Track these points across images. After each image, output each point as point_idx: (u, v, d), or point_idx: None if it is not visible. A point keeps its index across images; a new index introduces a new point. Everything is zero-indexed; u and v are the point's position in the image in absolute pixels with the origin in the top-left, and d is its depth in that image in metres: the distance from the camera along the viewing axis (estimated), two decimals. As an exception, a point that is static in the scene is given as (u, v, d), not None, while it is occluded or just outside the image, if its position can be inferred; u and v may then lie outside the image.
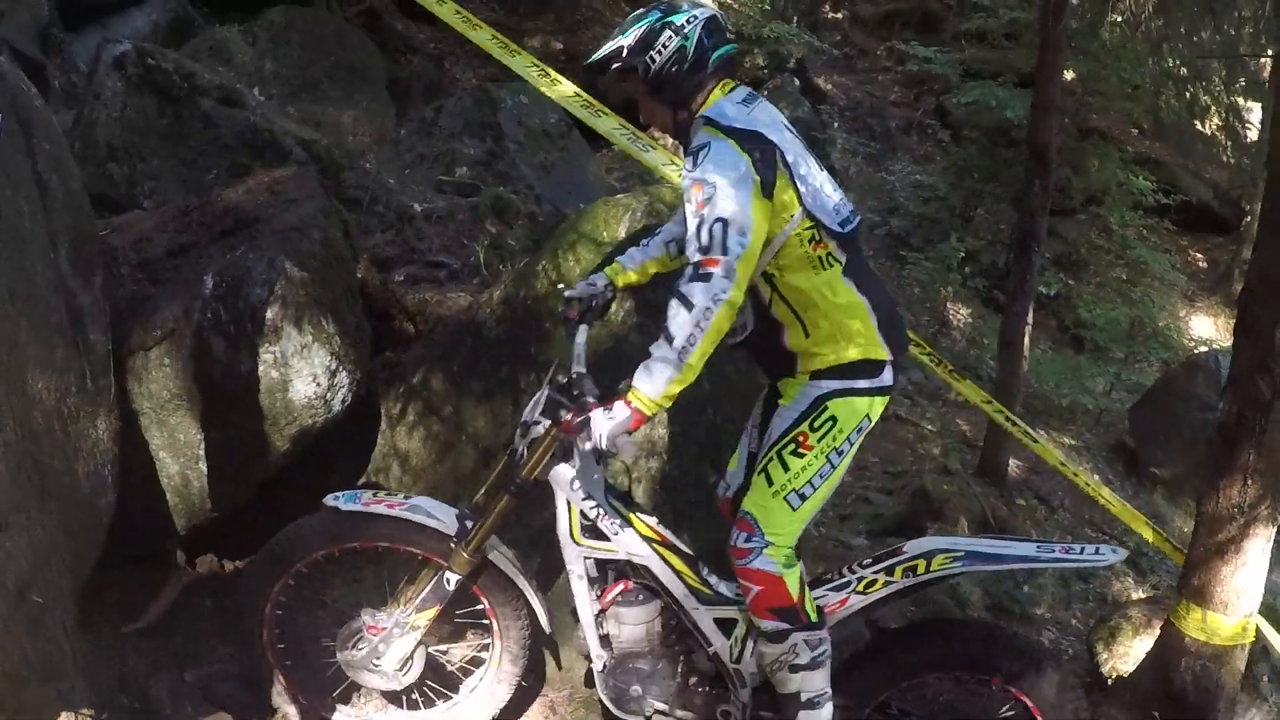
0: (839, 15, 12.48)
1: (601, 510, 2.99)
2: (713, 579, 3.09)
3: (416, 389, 3.98)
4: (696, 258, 2.60)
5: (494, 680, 3.35)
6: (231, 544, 3.83)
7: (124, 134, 4.67)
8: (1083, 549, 3.00)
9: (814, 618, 2.89)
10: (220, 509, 3.59)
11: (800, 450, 2.84)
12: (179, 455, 3.55)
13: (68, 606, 2.49)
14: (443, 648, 3.43)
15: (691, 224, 2.64)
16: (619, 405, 2.66)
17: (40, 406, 2.97)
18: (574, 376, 2.94)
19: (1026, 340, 6.08)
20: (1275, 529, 3.65)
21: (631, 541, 3.01)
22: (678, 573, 3.03)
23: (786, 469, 2.85)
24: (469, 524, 3.06)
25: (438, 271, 5.18)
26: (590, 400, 2.78)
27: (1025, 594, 5.36)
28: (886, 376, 2.91)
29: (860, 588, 2.98)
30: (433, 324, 4.25)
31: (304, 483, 3.74)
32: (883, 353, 2.88)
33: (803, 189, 2.75)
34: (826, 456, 2.85)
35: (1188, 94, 9.47)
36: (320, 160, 5.20)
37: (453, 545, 3.03)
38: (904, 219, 9.72)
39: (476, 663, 3.43)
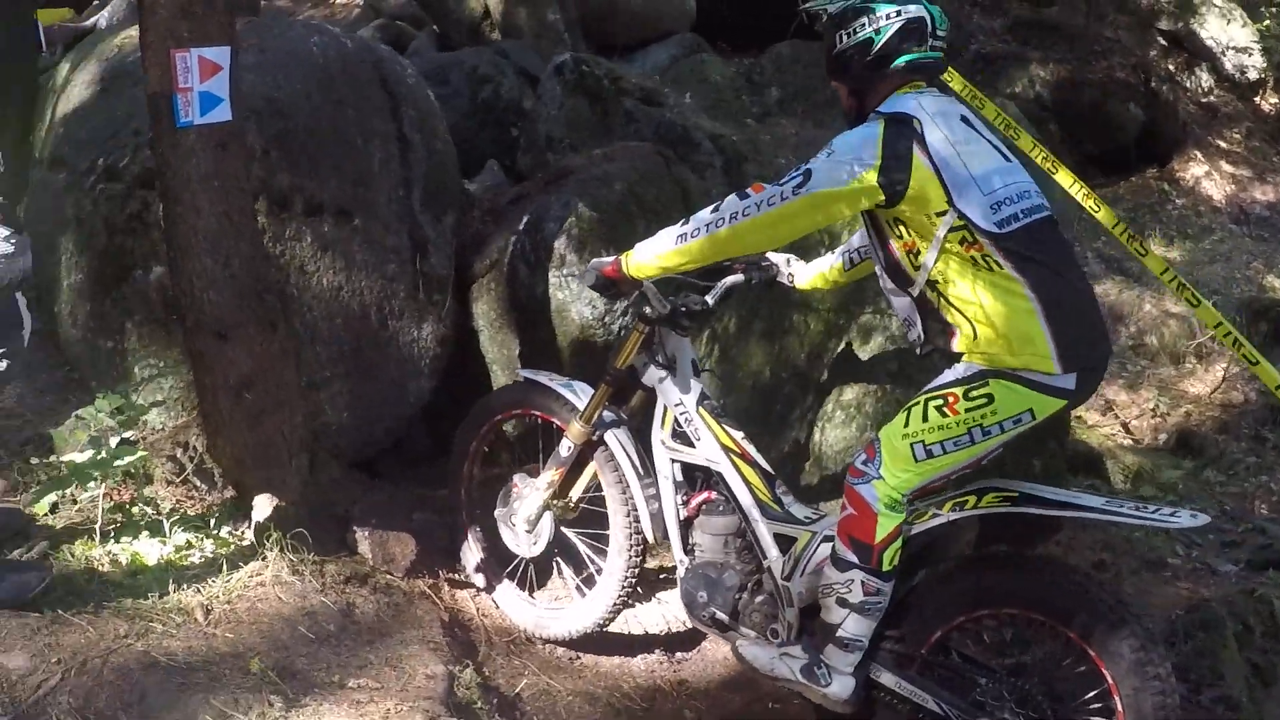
0: None
1: (689, 415, 3.16)
2: (786, 498, 3.12)
3: (713, 329, 4.36)
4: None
5: (605, 583, 3.42)
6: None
7: (560, 128, 5.60)
8: (1156, 509, 2.55)
9: (885, 568, 2.77)
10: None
11: (945, 410, 2.68)
12: (506, 368, 4.30)
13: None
14: (582, 533, 3.54)
15: None
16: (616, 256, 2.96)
17: (359, 299, 3.90)
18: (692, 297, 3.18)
19: None
20: None
21: (711, 448, 3.12)
22: (748, 483, 3.08)
23: (925, 419, 2.71)
24: None
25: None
26: (669, 307, 3.10)
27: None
28: (1064, 381, 2.63)
29: (910, 519, 2.79)
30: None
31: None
32: (1050, 365, 2.61)
33: (952, 186, 2.61)
34: (969, 429, 2.66)
35: None
36: (725, 153, 5.75)
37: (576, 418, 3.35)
38: None
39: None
